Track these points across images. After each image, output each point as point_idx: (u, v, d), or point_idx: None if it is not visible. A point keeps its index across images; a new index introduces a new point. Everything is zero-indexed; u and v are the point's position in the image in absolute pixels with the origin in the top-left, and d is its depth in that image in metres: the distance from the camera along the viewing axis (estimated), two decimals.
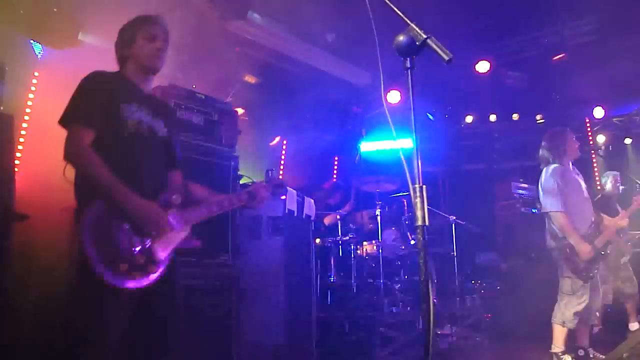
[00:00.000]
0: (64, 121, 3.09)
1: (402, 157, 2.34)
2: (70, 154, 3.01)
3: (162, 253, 3.09)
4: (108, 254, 2.86)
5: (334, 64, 8.89)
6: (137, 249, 2.98)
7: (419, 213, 2.04)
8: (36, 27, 5.73)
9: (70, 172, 3.07)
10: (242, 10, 6.61)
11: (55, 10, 5.79)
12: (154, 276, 3.03)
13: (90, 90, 3.15)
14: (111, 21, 3.60)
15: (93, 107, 3.09)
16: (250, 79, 8.17)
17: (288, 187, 5.38)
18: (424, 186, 2.09)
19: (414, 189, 2.08)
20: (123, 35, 3.39)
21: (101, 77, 3.23)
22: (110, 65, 3.36)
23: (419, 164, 2.13)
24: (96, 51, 5.75)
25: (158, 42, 3.34)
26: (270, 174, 3.93)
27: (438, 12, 7.08)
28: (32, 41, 5.82)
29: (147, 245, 3.03)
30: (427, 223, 2.05)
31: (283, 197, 5.54)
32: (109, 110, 3.12)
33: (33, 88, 5.76)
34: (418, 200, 2.05)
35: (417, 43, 2.19)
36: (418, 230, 2.05)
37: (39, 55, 5.89)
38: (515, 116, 10.83)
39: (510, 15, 8.14)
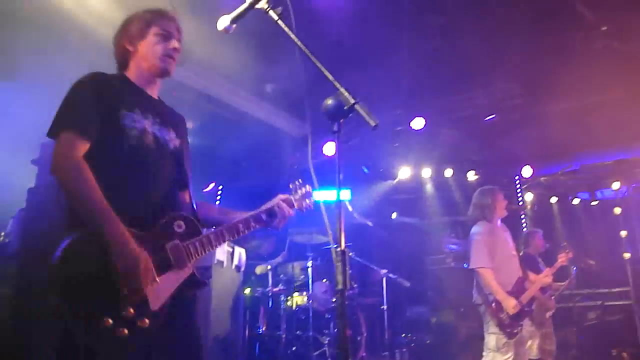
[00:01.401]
0: (54, 128, 2.58)
1: (322, 209, 2.33)
2: (59, 166, 2.50)
3: (157, 302, 2.51)
4: (87, 304, 2.34)
5: (271, 113, 8.94)
6: (125, 296, 2.42)
7: (339, 277, 2.03)
8: None
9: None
10: (182, 57, 6.61)
11: None
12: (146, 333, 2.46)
13: (86, 93, 2.65)
14: None
15: (89, 113, 2.61)
16: (187, 124, 8.10)
17: None
18: (346, 250, 2.09)
19: (336, 252, 2.08)
20: (130, 28, 2.91)
21: (99, 78, 2.74)
22: None
23: (342, 226, 2.13)
24: None
25: (174, 42, 2.90)
26: (295, 186, 3.26)
27: (378, 69, 7.29)
28: None
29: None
30: (347, 287, 2.04)
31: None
32: (107, 118, 2.64)
33: None
34: (339, 263, 2.05)
35: (345, 107, 2.21)
36: (338, 295, 2.04)
37: None
38: (448, 172, 11.06)
39: (445, 76, 8.40)
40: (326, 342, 7.66)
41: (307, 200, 3.25)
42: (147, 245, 2.53)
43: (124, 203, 2.51)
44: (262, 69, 7.04)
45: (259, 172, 9.83)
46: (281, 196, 3.16)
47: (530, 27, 7.22)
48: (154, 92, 2.96)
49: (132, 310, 2.39)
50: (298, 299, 7.81)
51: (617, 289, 10.85)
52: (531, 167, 10.94)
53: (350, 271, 6.51)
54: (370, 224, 8.29)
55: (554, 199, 11.67)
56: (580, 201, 11.69)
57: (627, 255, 10.98)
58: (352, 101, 2.20)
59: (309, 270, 7.85)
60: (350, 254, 8.23)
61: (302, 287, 8.03)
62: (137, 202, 2.61)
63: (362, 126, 2.19)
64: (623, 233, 11.07)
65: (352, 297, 8.06)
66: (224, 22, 2.61)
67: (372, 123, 2.15)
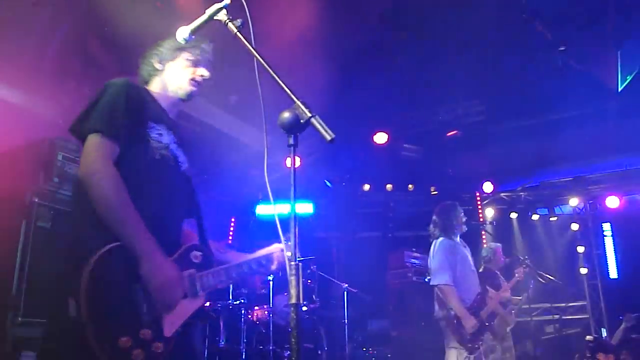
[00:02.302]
0: (84, 128, 2.52)
1: (277, 222, 2.32)
2: (89, 170, 2.41)
3: (171, 328, 2.45)
4: (108, 320, 2.25)
5: (233, 125, 8.90)
6: (145, 319, 2.35)
7: (293, 291, 2.02)
8: None
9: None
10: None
11: None
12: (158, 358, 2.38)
13: (120, 97, 2.61)
14: None
15: (123, 118, 2.56)
16: None
17: None
18: (300, 264, 2.08)
19: (290, 265, 2.07)
20: (163, 47, 2.93)
21: (132, 85, 2.73)
22: None
23: (296, 240, 2.12)
24: None
25: (205, 70, 2.94)
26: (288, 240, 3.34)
27: (341, 85, 7.33)
28: None
29: (157, 316, 2.41)
30: (301, 301, 2.03)
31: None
32: (136, 127, 2.61)
33: None
34: (293, 277, 2.04)
35: (302, 121, 2.20)
36: (292, 309, 2.03)
37: None
38: (410, 187, 11.15)
39: (409, 91, 8.48)
40: (286, 356, 7.61)
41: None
42: None
43: (144, 216, 2.45)
44: (224, 78, 7.00)
45: (221, 185, 9.76)
46: (278, 245, 3.21)
47: (492, 46, 7.35)
48: (172, 113, 2.97)
49: (149, 333, 2.34)
50: (259, 312, 7.73)
51: (574, 303, 11.06)
52: (492, 183, 11.10)
53: (312, 285, 6.51)
54: (312, 257, 8.22)
55: (514, 215, 11.85)
56: (540, 217, 11.90)
57: (584, 270, 11.21)
58: (309, 115, 2.19)
59: (270, 283, 7.80)
60: (313, 267, 8.29)
61: (263, 301, 7.96)
62: (157, 220, 2.55)
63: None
64: (580, 248, 11.30)
65: (313, 310, 8.03)
66: (183, 33, 2.59)
67: (328, 137, 2.15)
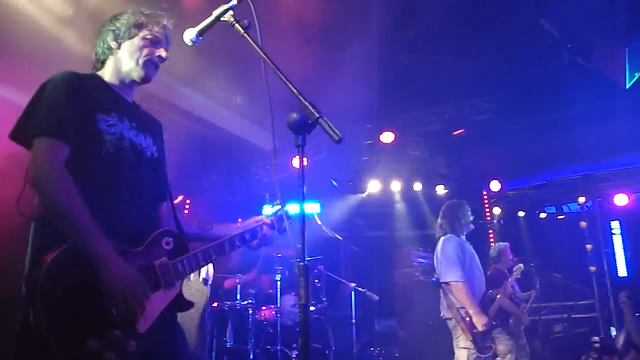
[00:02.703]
0: (27, 133, 2.36)
1: (286, 223, 2.32)
2: (42, 178, 2.28)
3: (144, 323, 2.35)
4: (71, 325, 2.14)
5: (240, 126, 8.91)
6: (114, 317, 2.25)
7: (302, 291, 2.02)
8: None
9: (28, 203, 2.36)
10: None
11: None
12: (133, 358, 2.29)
13: (60, 93, 2.42)
14: None
15: (66, 116, 2.38)
16: None
17: None
18: (308, 265, 2.08)
19: (298, 266, 2.07)
20: (115, 26, 2.70)
21: (72, 77, 2.51)
22: None
23: (304, 240, 2.12)
24: None
25: (162, 50, 2.72)
26: (272, 206, 3.22)
27: (349, 84, 7.32)
28: None
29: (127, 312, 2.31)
30: (310, 302, 2.03)
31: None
32: (83, 122, 2.42)
33: None
34: (302, 278, 2.04)
35: (309, 121, 2.20)
36: (300, 309, 2.03)
37: None
38: (417, 186, 11.12)
39: (415, 91, 8.46)
40: (294, 356, 7.61)
41: (284, 223, 3.14)
42: (134, 262, 2.39)
43: (103, 215, 2.33)
44: (230, 79, 7.02)
45: (228, 185, 9.77)
46: (263, 217, 3.10)
47: (498, 44, 7.32)
48: (129, 95, 2.76)
49: (118, 333, 2.24)
50: (266, 313, 7.74)
51: (583, 302, 11.01)
52: (499, 182, 11.06)
53: (319, 285, 6.50)
54: (339, 237, 8.28)
55: (521, 213, 11.82)
56: (547, 215, 11.85)
57: (592, 269, 11.16)
58: (317, 115, 2.20)
59: (278, 283, 7.80)
60: (320, 267, 8.29)
61: (271, 301, 7.96)
62: (116, 214, 2.43)
63: (332, 140, 2.17)
64: (588, 246, 11.25)
65: (321, 310, 8.02)
66: (190, 34, 2.59)
67: (336, 137, 2.15)
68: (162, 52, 2.71)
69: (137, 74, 2.68)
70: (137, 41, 2.68)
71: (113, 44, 2.69)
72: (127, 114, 2.64)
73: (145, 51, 2.67)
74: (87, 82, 2.58)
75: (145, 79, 2.71)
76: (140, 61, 2.67)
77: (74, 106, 2.42)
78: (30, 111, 2.43)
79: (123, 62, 2.68)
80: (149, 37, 2.69)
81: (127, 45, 2.68)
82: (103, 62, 2.74)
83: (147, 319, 2.37)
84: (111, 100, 2.62)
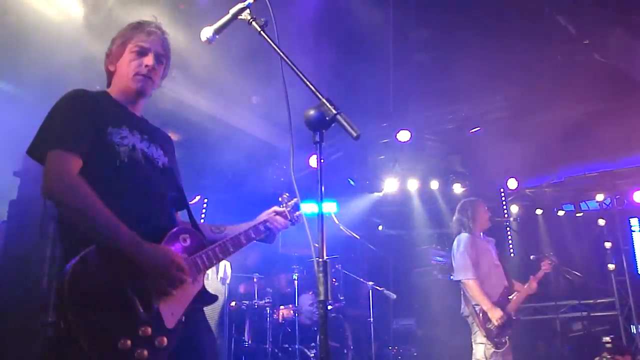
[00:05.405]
0: (42, 149, 2.41)
1: (304, 221, 2.34)
2: (54, 187, 2.34)
3: (172, 319, 2.38)
4: (101, 325, 2.17)
5: (256, 125, 8.92)
6: (142, 315, 2.27)
7: (321, 288, 2.02)
8: None
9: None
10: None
11: None
12: (165, 354, 2.31)
13: (74, 109, 2.52)
14: None
15: (80, 129, 2.46)
16: (172, 136, 8.07)
17: None
18: (328, 261, 2.09)
19: (318, 263, 2.07)
20: (112, 48, 2.79)
21: (83, 94, 2.61)
22: None
23: (324, 237, 2.12)
24: None
25: (148, 59, 2.73)
26: (284, 199, 3.24)
27: (365, 82, 7.32)
28: None
29: (155, 309, 2.33)
30: (329, 298, 2.04)
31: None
32: (96, 135, 2.50)
33: None
34: (321, 275, 2.04)
35: (327, 118, 2.21)
36: (320, 305, 2.04)
37: None
38: (434, 184, 11.08)
39: (431, 89, 8.44)
40: (313, 354, 7.63)
41: (297, 213, 3.21)
42: None
43: (122, 222, 2.35)
44: (247, 78, 7.03)
45: (245, 185, 9.80)
46: (275, 208, 3.16)
47: (514, 41, 7.28)
48: (136, 110, 2.83)
49: (149, 329, 2.26)
50: (284, 312, 7.77)
51: (602, 300, 10.91)
52: (516, 180, 10.98)
53: (337, 283, 6.53)
54: (357, 236, 8.29)
55: (539, 211, 11.73)
56: (565, 213, 11.75)
57: (611, 266, 11.05)
58: (334, 112, 2.20)
59: (295, 282, 7.82)
60: (338, 266, 8.30)
61: (289, 300, 7.99)
62: (132, 224, 2.39)
63: (348, 138, 2.18)
64: (607, 244, 11.14)
65: (338, 309, 8.04)
66: (206, 33, 2.61)
67: (354, 134, 2.15)
68: (149, 61, 2.73)
69: (131, 89, 2.75)
70: (126, 56, 2.74)
71: (111, 67, 2.80)
72: (136, 127, 2.71)
73: (133, 65, 2.72)
74: (96, 98, 2.67)
75: (139, 92, 2.77)
76: (131, 76, 2.73)
77: (86, 120, 2.51)
78: (44, 128, 2.50)
79: (120, 80, 2.77)
80: (135, 49, 2.74)
81: (120, 64, 2.76)
82: (110, 82, 2.83)
83: (175, 314, 2.40)
84: (121, 115, 2.69)
